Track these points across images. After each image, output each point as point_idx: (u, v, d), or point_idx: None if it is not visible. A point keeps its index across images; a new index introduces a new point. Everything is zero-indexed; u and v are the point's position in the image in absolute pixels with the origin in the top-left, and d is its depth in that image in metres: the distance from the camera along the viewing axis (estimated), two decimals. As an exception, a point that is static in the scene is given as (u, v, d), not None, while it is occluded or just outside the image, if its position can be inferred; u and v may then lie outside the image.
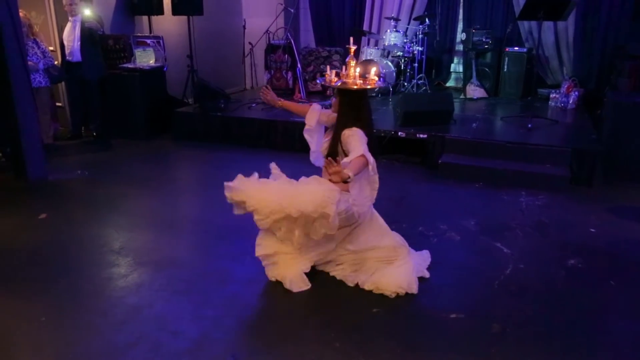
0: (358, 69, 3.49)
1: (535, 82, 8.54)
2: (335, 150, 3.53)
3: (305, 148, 7.08)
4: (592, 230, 4.67)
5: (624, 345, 3.11)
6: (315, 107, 3.79)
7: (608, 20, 8.02)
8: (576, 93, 7.88)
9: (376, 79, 3.54)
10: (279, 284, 3.62)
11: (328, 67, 3.66)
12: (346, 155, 3.37)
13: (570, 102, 7.86)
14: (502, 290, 3.61)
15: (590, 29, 8.16)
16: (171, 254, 4.14)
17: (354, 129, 3.41)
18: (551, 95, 8.14)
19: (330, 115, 3.71)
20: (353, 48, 3.61)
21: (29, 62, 6.16)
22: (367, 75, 3.53)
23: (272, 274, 3.66)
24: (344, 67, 3.58)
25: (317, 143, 3.89)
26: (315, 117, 3.80)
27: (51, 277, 3.79)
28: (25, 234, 4.54)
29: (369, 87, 3.54)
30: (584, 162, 5.73)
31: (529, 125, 6.51)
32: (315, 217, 3.28)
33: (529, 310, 3.40)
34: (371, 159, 3.22)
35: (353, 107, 3.51)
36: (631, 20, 7.60)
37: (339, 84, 3.52)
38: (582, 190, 5.62)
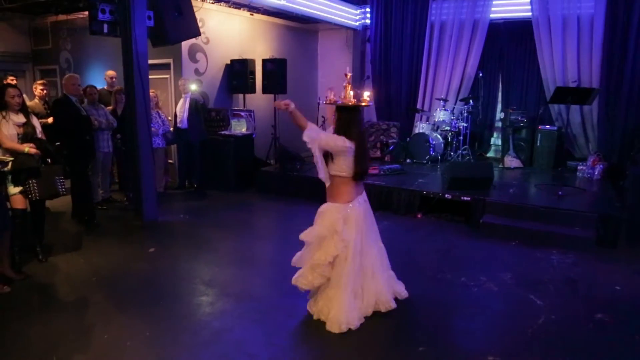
0: (352, 92, 3.49)
1: (565, 156, 8.20)
2: (326, 155, 3.48)
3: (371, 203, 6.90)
4: (617, 287, 4.32)
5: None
6: (313, 125, 3.47)
7: (628, 104, 7.67)
8: (601, 166, 7.50)
9: (368, 99, 3.51)
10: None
11: (328, 89, 3.57)
12: (333, 161, 3.45)
13: (596, 173, 7.47)
14: (535, 338, 3.37)
15: (612, 112, 7.83)
16: (250, 288, 4.15)
17: (341, 136, 3.39)
18: (579, 167, 7.78)
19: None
20: (349, 74, 3.59)
21: (152, 129, 6.55)
22: (361, 98, 3.50)
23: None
24: (342, 92, 3.54)
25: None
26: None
27: (154, 300, 3.87)
28: (137, 263, 4.70)
29: (363, 104, 3.51)
30: (609, 226, 5.37)
31: (560, 193, 6.21)
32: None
33: (560, 356, 3.15)
34: (312, 136, 3.33)
35: (347, 121, 3.44)
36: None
37: (339, 102, 3.48)
38: (607, 251, 5.24)
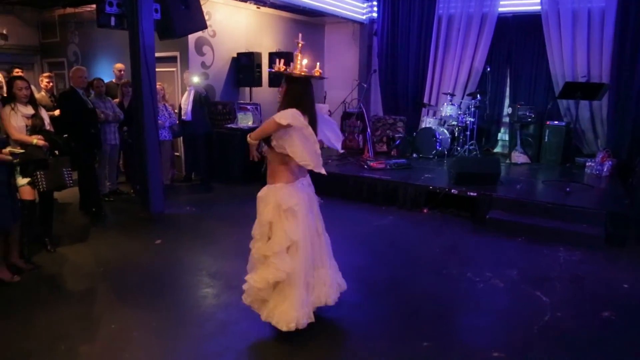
0: (305, 61, 3.10)
1: (573, 152, 8.16)
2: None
3: (370, 199, 7.02)
4: (625, 286, 4.30)
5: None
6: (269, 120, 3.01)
7: (638, 100, 7.61)
8: (610, 162, 7.44)
9: (320, 71, 3.15)
10: (347, 314, 3.53)
11: (277, 59, 3.19)
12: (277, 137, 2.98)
13: (605, 170, 7.42)
14: (541, 335, 3.37)
15: (622, 108, 7.76)
16: (256, 281, 4.16)
17: (289, 109, 2.95)
18: (587, 164, 7.72)
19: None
20: (301, 42, 3.23)
21: (159, 121, 6.56)
22: (313, 70, 3.14)
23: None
24: (292, 63, 3.14)
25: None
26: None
27: (161, 292, 3.91)
28: (143, 255, 4.73)
29: (316, 75, 3.13)
30: (618, 224, 5.34)
31: (568, 189, 6.17)
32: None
33: (566, 354, 3.15)
34: (288, 120, 2.86)
35: (297, 93, 3.04)
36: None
37: (287, 72, 3.08)
38: (615, 249, 5.21)
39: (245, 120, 7.97)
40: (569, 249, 5.08)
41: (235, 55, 8.55)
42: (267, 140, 3.07)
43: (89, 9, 8.23)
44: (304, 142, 2.94)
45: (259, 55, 8.56)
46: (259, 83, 8.60)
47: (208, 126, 7.52)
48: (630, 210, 5.50)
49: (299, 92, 3.05)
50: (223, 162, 7.76)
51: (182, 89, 7.82)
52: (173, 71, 8.03)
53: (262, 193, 3.16)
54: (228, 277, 4.24)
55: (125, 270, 4.34)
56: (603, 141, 8.09)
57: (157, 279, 4.17)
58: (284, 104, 3.03)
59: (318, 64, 3.24)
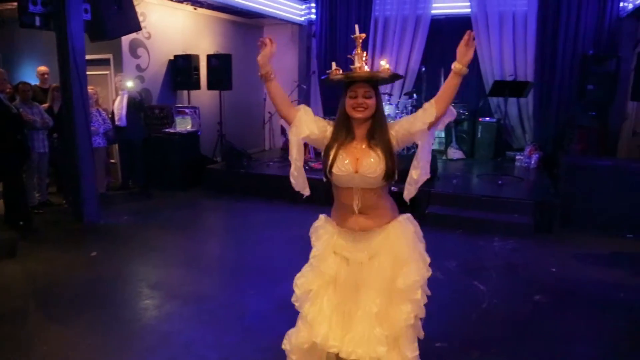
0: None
1: (504, 146, 8.56)
2: (392, 164, 2.22)
3: (313, 200, 6.98)
4: (553, 269, 4.58)
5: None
6: (307, 109, 2.29)
7: (559, 97, 8.10)
8: (537, 155, 7.88)
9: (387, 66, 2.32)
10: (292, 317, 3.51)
11: (334, 63, 2.35)
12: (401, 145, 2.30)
13: (532, 162, 7.84)
14: (479, 322, 3.50)
15: (546, 104, 8.23)
16: (198, 289, 4.06)
17: (394, 122, 2.29)
18: (517, 157, 8.13)
19: (327, 131, 2.26)
20: (361, 36, 2.36)
21: (92, 128, 6.28)
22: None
23: None
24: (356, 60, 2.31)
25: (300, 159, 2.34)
26: (310, 125, 2.26)
27: (98, 307, 3.72)
28: (78, 269, 4.49)
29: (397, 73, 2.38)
30: (545, 212, 5.67)
31: (500, 182, 6.47)
32: None
33: (503, 339, 3.30)
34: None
35: (380, 100, 2.25)
36: (577, 97, 7.69)
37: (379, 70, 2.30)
38: (544, 236, 5.53)
39: (183, 124, 7.77)
40: (502, 239, 5.32)
41: (172, 58, 8.32)
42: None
43: (10, 6, 7.70)
44: None
45: (196, 57, 8.38)
46: (197, 86, 8.41)
47: (144, 131, 7.26)
48: (555, 199, 5.84)
49: (380, 100, 2.26)
50: (162, 168, 7.52)
51: (117, 93, 7.50)
52: (106, 74, 7.69)
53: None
54: (170, 286, 4.11)
55: (58, 286, 4.09)
56: (530, 136, 8.55)
57: (94, 293, 3.96)
58: (380, 116, 2.24)
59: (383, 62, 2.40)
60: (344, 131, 2.21)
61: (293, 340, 2.31)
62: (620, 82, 7.26)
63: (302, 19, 10.01)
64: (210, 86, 8.58)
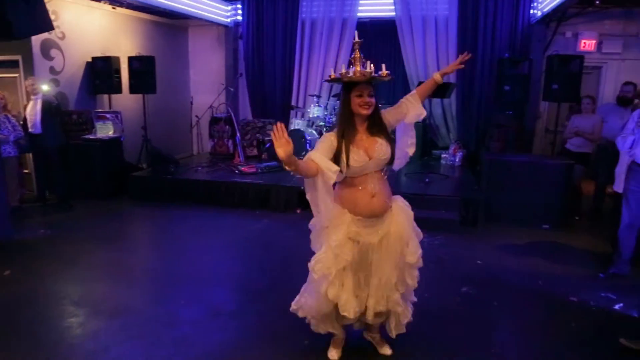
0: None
1: (430, 145, 8.93)
2: (393, 145, 2.77)
3: (243, 204, 6.98)
4: (479, 262, 4.83)
5: (508, 354, 3.22)
6: (316, 154, 2.56)
7: (479, 98, 8.59)
8: (460, 153, 8.29)
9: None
10: (226, 323, 3.45)
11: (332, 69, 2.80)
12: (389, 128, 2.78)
13: (457, 160, 8.24)
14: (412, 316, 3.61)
15: (468, 104, 8.69)
16: (126, 302, 3.89)
17: (384, 111, 2.80)
18: (442, 155, 8.50)
19: (334, 142, 2.63)
20: (360, 41, 2.77)
21: (1, 136, 5.84)
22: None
23: None
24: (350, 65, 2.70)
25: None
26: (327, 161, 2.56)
27: (15, 330, 3.45)
28: (-11, 289, 4.15)
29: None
30: (470, 208, 5.97)
31: (427, 180, 6.75)
32: None
33: (433, 331, 3.44)
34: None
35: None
36: (495, 98, 8.18)
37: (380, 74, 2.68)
38: (469, 230, 5.82)
39: (105, 130, 7.42)
40: (431, 235, 5.53)
41: (89, 60, 7.92)
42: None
43: None
44: None
45: (117, 59, 8.03)
46: (118, 90, 8.06)
47: (61, 138, 6.84)
48: (479, 195, 6.17)
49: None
50: (83, 176, 7.13)
51: (28, 97, 7.02)
52: (15, 77, 7.17)
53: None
54: (94, 302, 3.90)
55: (-34, 309, 3.77)
56: (454, 134, 8.98)
57: (10, 316, 3.67)
58: (377, 110, 2.72)
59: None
60: (349, 127, 2.63)
61: (309, 309, 2.87)
62: (533, 83, 7.81)
63: (228, 20, 9.89)
64: (133, 90, 8.28)
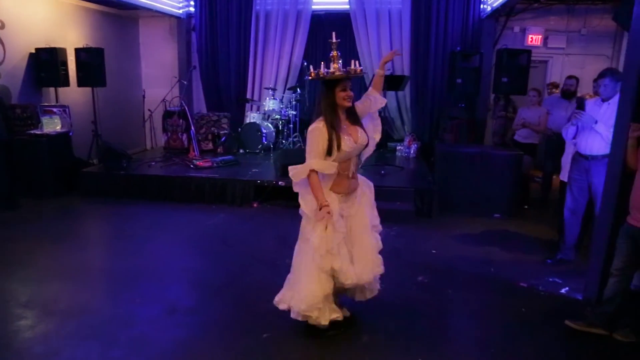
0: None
1: (385, 137, 9.06)
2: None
3: (198, 198, 6.89)
4: (434, 251, 4.97)
5: (464, 339, 3.37)
6: (318, 162, 2.97)
7: (433, 91, 8.81)
8: (415, 145, 8.48)
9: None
10: (183, 320, 3.42)
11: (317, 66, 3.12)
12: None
13: (412, 152, 8.42)
14: (368, 308, 3.66)
15: (421, 97, 8.89)
16: (79, 302, 3.78)
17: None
18: (397, 148, 8.67)
19: (326, 133, 2.96)
20: (337, 41, 3.17)
21: None
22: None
23: None
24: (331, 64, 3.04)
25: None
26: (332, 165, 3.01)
27: (-45, 335, 3.30)
28: None
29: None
30: (424, 199, 6.13)
31: (382, 172, 6.87)
32: None
33: (390, 320, 3.53)
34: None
35: None
36: (448, 90, 8.40)
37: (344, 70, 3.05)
38: (424, 221, 5.98)
39: (51, 125, 7.13)
40: (387, 226, 5.53)
41: (33, 51, 7.57)
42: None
43: None
44: None
45: (63, 51, 7.70)
46: (65, 82, 7.74)
47: (4, 134, 6.51)
48: (433, 185, 6.34)
49: None
50: (29, 173, 6.83)
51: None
52: (-50, 70, 6.80)
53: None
54: (44, 303, 3.77)
55: None
56: (409, 127, 9.17)
57: (-50, 319, 3.52)
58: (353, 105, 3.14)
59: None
60: (335, 118, 2.97)
61: (308, 301, 3.08)
62: (484, 76, 8.07)
63: (181, 11, 9.68)
64: (81, 82, 7.98)
